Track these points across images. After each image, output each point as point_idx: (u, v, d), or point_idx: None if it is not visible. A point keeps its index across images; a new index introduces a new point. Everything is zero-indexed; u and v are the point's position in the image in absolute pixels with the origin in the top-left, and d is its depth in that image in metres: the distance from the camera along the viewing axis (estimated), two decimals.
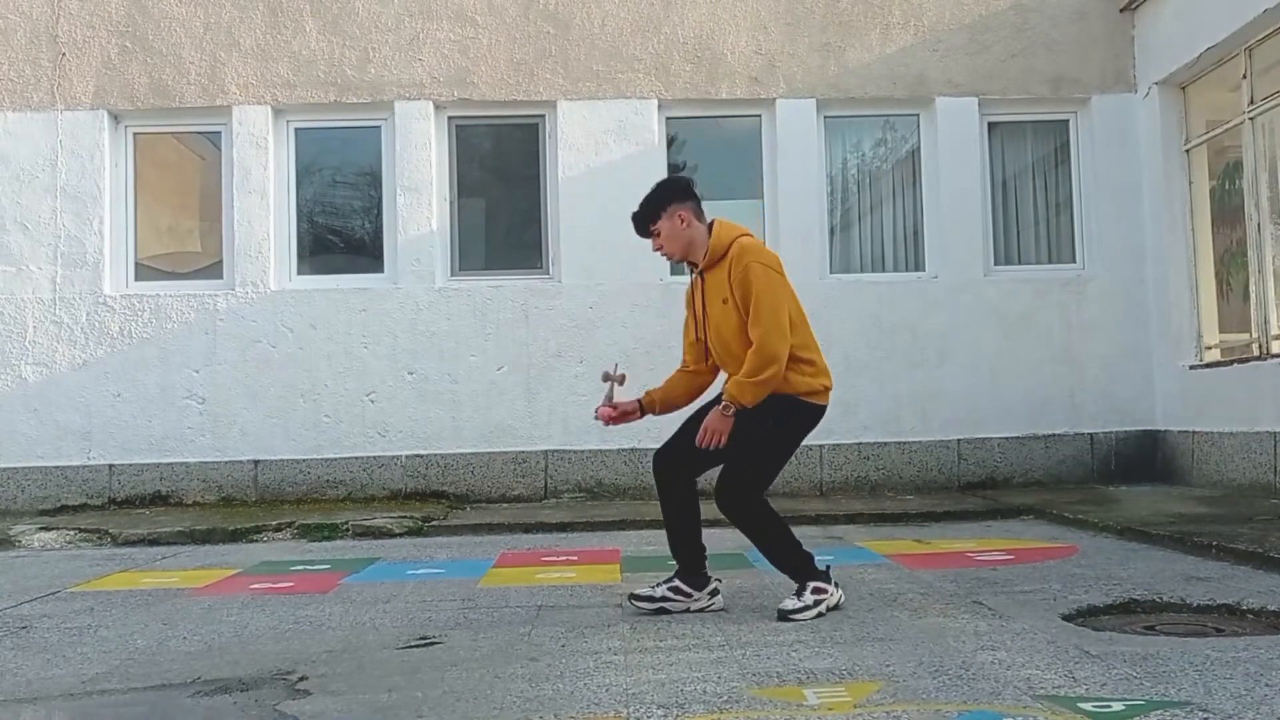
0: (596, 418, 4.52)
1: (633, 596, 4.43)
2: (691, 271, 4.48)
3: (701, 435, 4.21)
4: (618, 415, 4.50)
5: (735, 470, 4.23)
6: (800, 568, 4.27)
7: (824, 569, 4.31)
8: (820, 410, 4.34)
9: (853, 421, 8.84)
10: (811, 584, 4.22)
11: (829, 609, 4.20)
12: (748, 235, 4.38)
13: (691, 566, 4.40)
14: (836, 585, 4.31)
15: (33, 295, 8.68)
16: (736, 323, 4.26)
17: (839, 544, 6.36)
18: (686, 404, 4.60)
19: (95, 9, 8.84)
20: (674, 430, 4.43)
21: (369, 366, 8.77)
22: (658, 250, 4.48)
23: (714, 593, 4.43)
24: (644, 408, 4.54)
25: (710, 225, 4.40)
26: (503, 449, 8.75)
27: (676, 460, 4.37)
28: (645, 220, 4.43)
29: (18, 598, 5.13)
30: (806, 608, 4.14)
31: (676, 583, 4.40)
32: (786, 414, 4.25)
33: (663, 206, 4.39)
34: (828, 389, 4.34)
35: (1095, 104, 9.16)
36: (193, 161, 9.41)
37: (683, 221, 4.37)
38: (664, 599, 4.37)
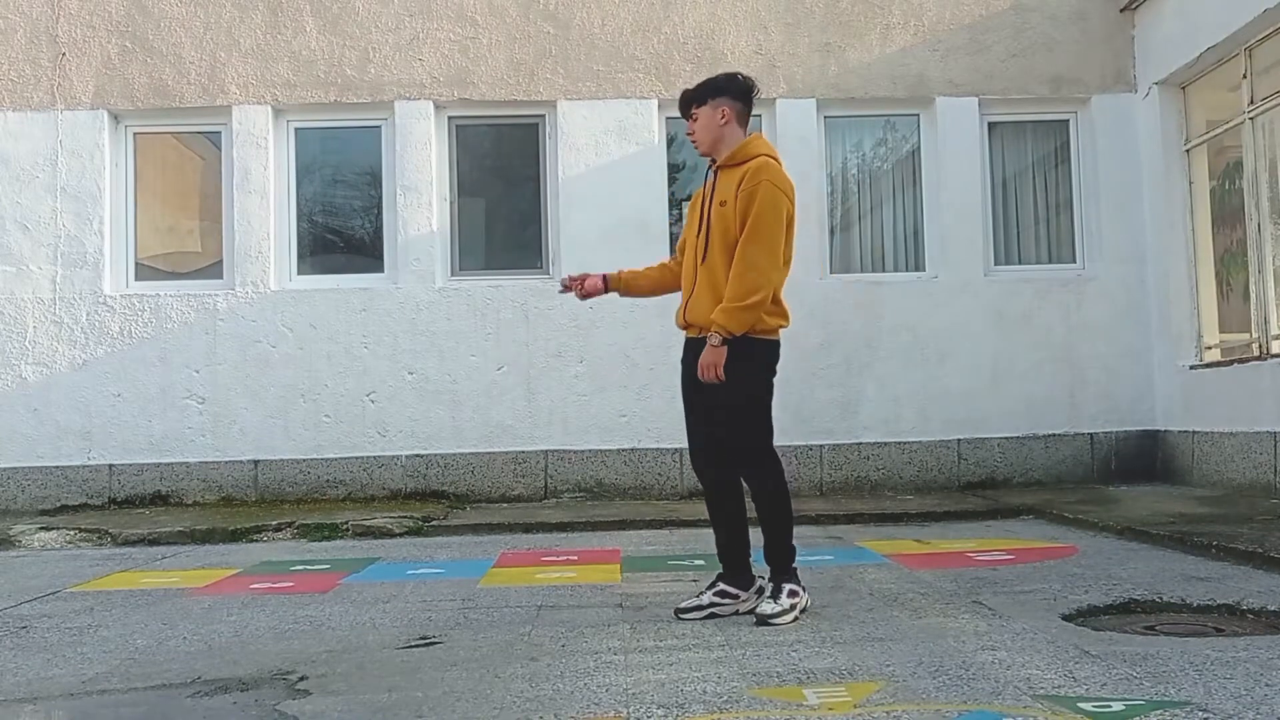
0: (561, 288, 4.58)
1: (679, 611, 4.29)
2: (709, 171, 4.40)
3: (700, 373, 4.16)
4: (581, 283, 4.51)
5: (729, 431, 4.19)
6: (784, 562, 4.21)
7: (795, 568, 4.25)
8: (778, 347, 4.28)
9: (853, 421, 8.85)
10: (788, 586, 4.16)
11: (801, 612, 4.15)
12: (775, 158, 4.29)
13: (736, 567, 4.34)
14: (805, 588, 4.26)
15: (33, 295, 8.68)
16: (729, 229, 4.16)
17: (839, 544, 6.36)
18: (648, 293, 4.68)
19: (95, 9, 8.84)
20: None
21: (369, 366, 8.77)
22: (689, 135, 4.39)
23: (760, 591, 4.34)
24: (608, 282, 4.55)
25: (751, 137, 4.34)
26: (503, 449, 8.75)
27: (707, 444, 4.32)
28: (691, 100, 4.35)
29: (17, 598, 5.13)
30: (784, 611, 4.08)
31: (721, 586, 4.31)
32: (753, 360, 4.17)
33: (712, 94, 4.31)
34: (779, 328, 4.27)
35: (1095, 104, 9.16)
36: (193, 161, 9.41)
37: (723, 116, 4.28)
38: (712, 605, 4.27)
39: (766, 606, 4.12)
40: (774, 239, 4.14)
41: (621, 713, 2.96)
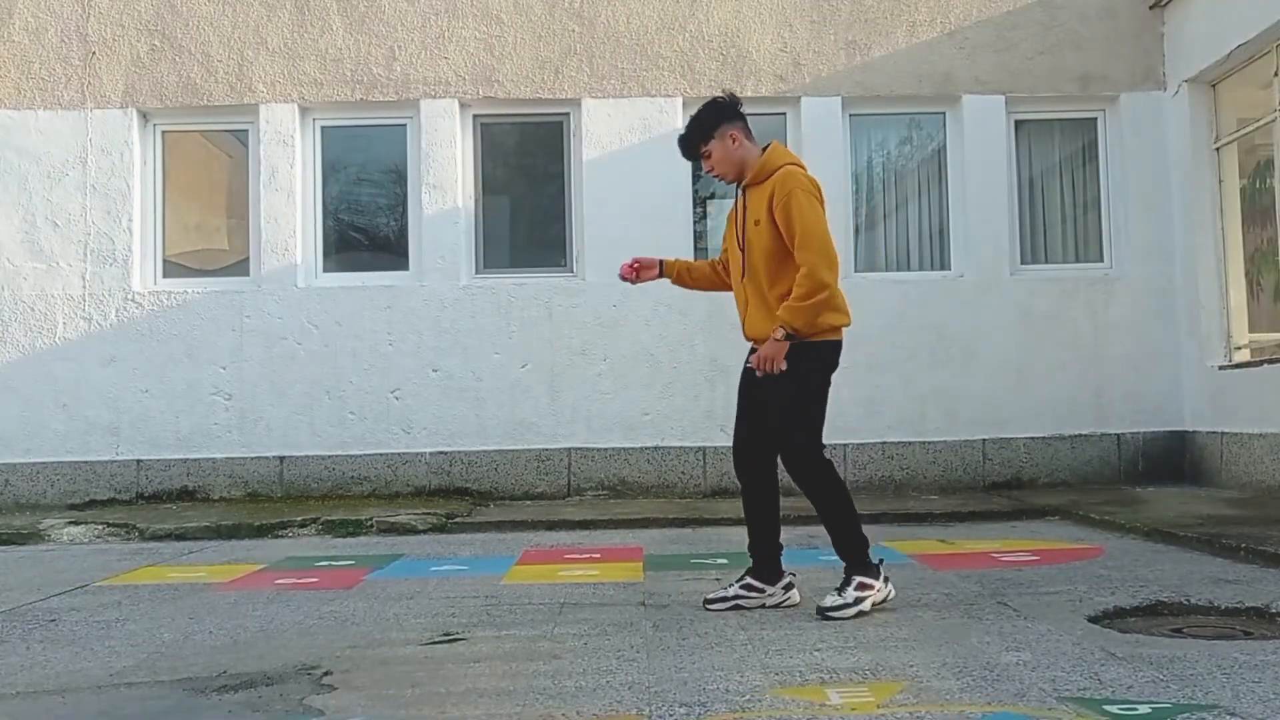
0: (620, 276, 4.56)
1: (707, 601, 4.39)
2: (738, 189, 4.41)
3: (756, 363, 4.20)
4: (637, 269, 4.53)
5: (780, 427, 4.21)
6: (853, 553, 4.19)
7: (876, 562, 4.23)
8: (837, 346, 4.27)
9: (877, 421, 8.81)
10: (857, 579, 4.14)
11: (874, 605, 4.12)
12: (796, 164, 4.32)
13: (765, 562, 4.38)
14: (886, 580, 4.22)
15: (63, 292, 8.77)
16: (767, 246, 4.20)
17: None
18: (700, 287, 4.71)
19: (125, 8, 8.91)
20: (731, 427, 4.47)
21: (394, 364, 8.81)
22: (709, 173, 4.41)
23: (788, 586, 4.39)
24: (664, 268, 4.59)
25: (766, 148, 4.35)
26: (526, 446, 8.77)
27: (751, 442, 4.35)
28: (696, 141, 4.36)
29: (47, 591, 5.18)
30: (846, 605, 4.09)
31: (749, 580, 4.37)
32: (807, 360, 4.17)
33: (714, 127, 4.33)
34: (840, 326, 4.26)
35: (1124, 102, 9.08)
36: (220, 159, 9.48)
37: (734, 141, 4.32)
38: (737, 597, 4.34)
39: (829, 599, 4.13)
40: (823, 241, 4.15)
41: (644, 711, 2.96)
